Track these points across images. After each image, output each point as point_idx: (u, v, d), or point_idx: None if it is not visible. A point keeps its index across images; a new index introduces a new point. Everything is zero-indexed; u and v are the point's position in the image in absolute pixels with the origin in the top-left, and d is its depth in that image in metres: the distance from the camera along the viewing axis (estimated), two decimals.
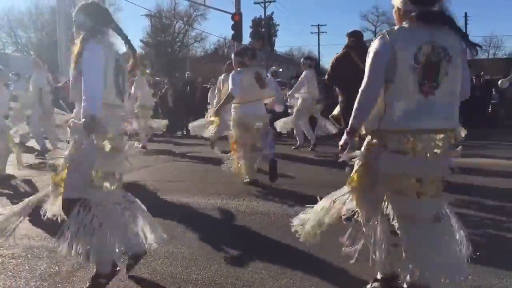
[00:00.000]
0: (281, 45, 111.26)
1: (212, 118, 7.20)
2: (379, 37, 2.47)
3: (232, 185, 6.13)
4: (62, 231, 2.73)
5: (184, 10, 48.44)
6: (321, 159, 8.60)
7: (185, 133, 14.17)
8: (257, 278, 3.18)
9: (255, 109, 6.03)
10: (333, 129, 9.13)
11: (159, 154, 9.38)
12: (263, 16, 45.51)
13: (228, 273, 3.27)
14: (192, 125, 8.48)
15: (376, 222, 2.64)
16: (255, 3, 42.94)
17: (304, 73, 9.37)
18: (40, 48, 40.18)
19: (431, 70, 2.38)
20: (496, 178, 6.43)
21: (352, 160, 2.68)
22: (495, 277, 3.08)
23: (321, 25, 51.08)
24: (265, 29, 46.35)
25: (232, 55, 6.53)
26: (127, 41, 2.98)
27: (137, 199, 3.05)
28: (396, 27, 2.49)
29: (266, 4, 42.78)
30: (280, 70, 14.45)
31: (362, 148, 2.62)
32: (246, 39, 41.14)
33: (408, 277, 2.52)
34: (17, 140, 8.83)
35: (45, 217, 2.96)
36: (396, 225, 2.56)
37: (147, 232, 2.98)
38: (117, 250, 2.88)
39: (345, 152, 2.59)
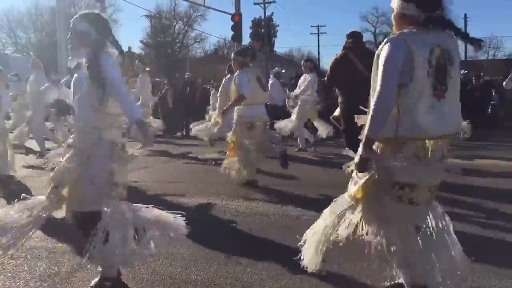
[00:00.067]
0: (280, 46, 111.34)
1: (217, 119, 7.23)
2: (391, 41, 2.36)
3: (232, 185, 6.12)
4: (92, 246, 2.74)
5: (184, 11, 48.57)
6: (320, 160, 8.60)
7: (184, 133, 14.17)
8: (256, 279, 3.18)
9: (260, 111, 6.16)
10: (324, 132, 9.36)
11: (159, 155, 9.37)
12: (262, 17, 45.52)
13: (227, 273, 3.26)
14: (196, 129, 8.46)
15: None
16: (254, 3, 42.98)
17: (309, 77, 9.32)
18: (40, 48, 40.20)
19: (441, 73, 2.38)
20: (496, 178, 6.43)
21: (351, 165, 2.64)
22: (495, 277, 3.08)
23: (321, 26, 51.14)
24: (265, 30, 46.32)
25: (233, 55, 6.51)
26: (122, 54, 3.00)
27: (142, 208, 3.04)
28: (405, 31, 2.39)
29: (266, 4, 42.80)
30: (283, 71, 14.44)
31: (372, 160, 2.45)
32: (246, 40, 41.11)
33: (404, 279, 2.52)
34: (16, 141, 8.86)
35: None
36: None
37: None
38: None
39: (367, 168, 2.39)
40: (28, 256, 3.61)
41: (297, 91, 9.42)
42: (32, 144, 9.27)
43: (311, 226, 2.75)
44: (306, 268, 2.71)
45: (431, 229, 2.47)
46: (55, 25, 19.67)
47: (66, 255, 3.58)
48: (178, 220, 3.03)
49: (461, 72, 15.00)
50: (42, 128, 8.96)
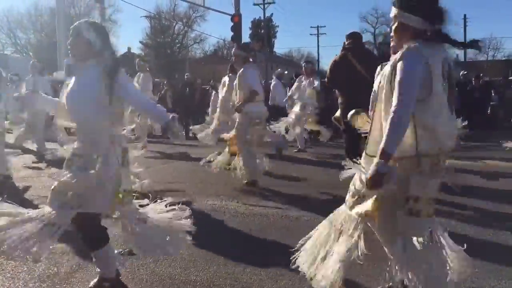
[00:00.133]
0: (280, 47, 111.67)
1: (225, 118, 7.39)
2: (409, 54, 2.29)
3: (231, 186, 6.12)
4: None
5: (183, 12, 48.59)
6: (320, 160, 8.60)
7: (184, 134, 14.16)
8: (255, 279, 3.18)
9: (264, 107, 6.34)
10: (325, 137, 9.59)
11: (158, 155, 9.38)
12: (262, 18, 45.54)
13: (227, 274, 3.26)
14: (200, 136, 8.46)
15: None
16: (254, 4, 43.02)
17: (316, 82, 9.35)
18: (40, 49, 40.25)
19: (451, 86, 2.39)
20: (496, 179, 6.43)
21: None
22: (494, 278, 3.09)
23: (321, 27, 51.18)
24: (264, 31, 46.33)
25: (234, 50, 6.41)
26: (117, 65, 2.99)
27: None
28: (418, 44, 2.33)
29: (266, 5, 42.86)
30: (285, 72, 14.45)
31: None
32: (246, 40, 41.12)
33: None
34: (15, 142, 8.85)
35: None
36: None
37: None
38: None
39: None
40: (27, 256, 3.60)
41: (294, 93, 9.49)
42: (30, 144, 9.26)
43: (310, 236, 2.68)
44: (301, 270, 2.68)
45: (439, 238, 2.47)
46: (54, 25, 19.70)
47: (65, 256, 3.57)
48: (183, 222, 3.05)
49: (461, 73, 15.06)
50: (42, 129, 8.95)
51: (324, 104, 9.92)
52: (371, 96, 2.64)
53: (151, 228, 2.95)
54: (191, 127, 10.21)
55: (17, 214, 2.77)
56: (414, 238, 2.38)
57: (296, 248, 2.68)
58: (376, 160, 2.24)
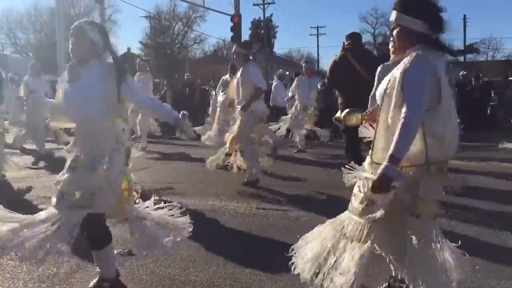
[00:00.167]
0: (280, 47, 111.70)
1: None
2: (419, 60, 2.28)
3: (231, 186, 6.12)
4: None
5: (183, 12, 48.63)
6: (319, 160, 8.60)
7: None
8: (255, 279, 3.18)
9: (264, 105, 6.34)
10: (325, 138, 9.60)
11: (158, 156, 9.38)
12: (262, 18, 45.58)
13: (226, 274, 3.26)
14: (204, 138, 8.46)
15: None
16: (254, 4, 43.02)
17: (320, 84, 9.36)
18: (39, 49, 40.24)
19: (454, 92, 2.39)
20: (495, 179, 6.44)
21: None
22: (494, 278, 3.09)
23: (320, 27, 51.20)
24: (264, 31, 46.40)
25: (236, 48, 6.32)
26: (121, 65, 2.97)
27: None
28: (425, 52, 2.32)
29: (265, 5, 42.85)
30: (287, 73, 14.48)
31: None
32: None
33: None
34: (13, 142, 8.85)
35: None
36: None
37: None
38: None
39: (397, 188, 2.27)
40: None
41: (294, 93, 9.48)
42: (29, 144, 9.25)
43: (309, 237, 2.65)
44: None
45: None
46: (54, 26, 19.69)
47: (65, 256, 3.57)
48: (181, 220, 3.09)
49: (461, 73, 15.06)
50: (42, 130, 8.94)
51: (324, 105, 9.93)
52: (371, 97, 2.64)
53: (150, 226, 2.97)
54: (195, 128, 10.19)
55: (25, 218, 2.78)
56: (422, 240, 2.37)
57: (292, 255, 2.65)
58: (383, 164, 2.22)
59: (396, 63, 2.52)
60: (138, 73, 9.76)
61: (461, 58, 34.21)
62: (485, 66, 38.82)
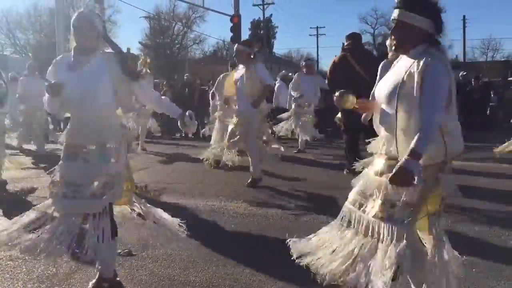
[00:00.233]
0: (280, 47, 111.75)
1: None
2: (437, 60, 2.30)
3: (231, 187, 6.12)
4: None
5: (183, 12, 48.57)
6: (320, 161, 8.60)
7: (183, 135, 14.17)
8: (255, 280, 3.18)
9: (267, 104, 6.41)
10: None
11: (158, 156, 9.38)
12: (262, 18, 45.68)
13: (226, 275, 3.26)
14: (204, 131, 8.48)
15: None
16: (254, 5, 43.14)
17: (322, 83, 9.37)
18: (39, 49, 40.18)
19: None
20: (495, 180, 6.44)
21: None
22: (493, 279, 3.08)
23: (320, 27, 51.25)
24: (264, 31, 46.45)
25: (238, 46, 6.20)
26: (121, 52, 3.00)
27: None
28: (437, 52, 2.35)
29: (265, 6, 42.95)
30: (290, 74, 14.48)
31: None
32: None
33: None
34: (14, 143, 8.85)
35: None
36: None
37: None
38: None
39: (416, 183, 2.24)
40: (26, 257, 3.59)
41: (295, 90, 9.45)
42: (28, 144, 9.25)
43: (323, 237, 2.62)
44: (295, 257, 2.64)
45: None
46: (54, 26, 19.68)
47: (64, 256, 3.57)
48: (175, 221, 3.13)
49: (460, 74, 15.09)
50: (41, 130, 8.95)
51: (324, 105, 9.94)
52: (371, 96, 2.63)
53: (150, 224, 3.00)
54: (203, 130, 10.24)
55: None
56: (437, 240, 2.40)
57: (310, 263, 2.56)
58: (404, 158, 2.22)
59: (398, 60, 2.55)
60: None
61: (461, 59, 34.31)
62: (485, 66, 38.86)
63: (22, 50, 45.99)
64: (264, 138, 6.18)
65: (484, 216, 4.64)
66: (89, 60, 2.84)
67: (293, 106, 9.46)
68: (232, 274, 3.28)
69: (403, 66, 2.42)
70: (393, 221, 2.39)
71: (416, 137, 2.23)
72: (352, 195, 2.59)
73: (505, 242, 3.89)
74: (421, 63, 2.29)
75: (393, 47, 2.54)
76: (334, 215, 2.62)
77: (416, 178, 2.20)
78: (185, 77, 16.10)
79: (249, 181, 6.10)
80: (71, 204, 2.75)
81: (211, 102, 10.45)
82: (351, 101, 2.81)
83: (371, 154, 3.15)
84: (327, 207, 4.81)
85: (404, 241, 2.34)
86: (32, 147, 9.45)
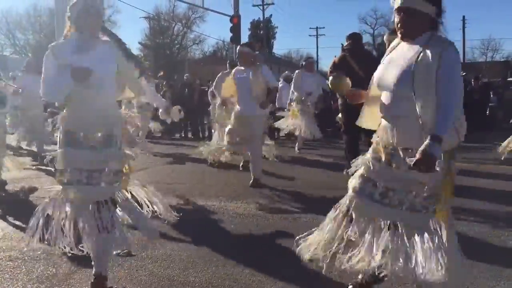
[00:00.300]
0: (279, 48, 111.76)
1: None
2: (455, 50, 2.38)
3: (231, 187, 6.12)
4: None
5: (182, 13, 48.61)
6: (319, 161, 8.60)
7: (183, 135, 14.18)
8: (254, 280, 3.17)
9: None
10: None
11: (157, 156, 9.37)
12: (261, 19, 45.64)
13: (225, 275, 3.26)
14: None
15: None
16: (253, 5, 43.13)
17: (323, 82, 9.36)
18: (39, 50, 40.07)
19: None
20: (495, 180, 6.44)
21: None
22: (493, 279, 3.08)
23: (320, 28, 51.25)
24: (263, 32, 46.44)
25: (244, 48, 6.16)
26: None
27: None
28: (443, 37, 2.42)
29: (265, 6, 42.95)
30: (293, 75, 14.51)
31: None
32: (245, 41, 41.10)
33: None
34: (14, 143, 8.83)
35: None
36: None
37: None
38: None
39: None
40: (26, 258, 3.60)
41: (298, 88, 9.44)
42: (27, 144, 9.24)
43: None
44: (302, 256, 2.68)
45: None
46: (53, 26, 19.66)
47: (64, 256, 3.57)
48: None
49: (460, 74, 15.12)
50: (41, 130, 8.93)
51: (323, 105, 9.93)
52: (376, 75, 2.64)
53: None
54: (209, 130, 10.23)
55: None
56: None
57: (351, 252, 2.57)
58: (426, 141, 2.22)
59: (392, 49, 2.58)
60: None
61: (461, 59, 34.21)
62: (484, 67, 38.86)
63: (21, 50, 45.96)
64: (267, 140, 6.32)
65: (484, 216, 4.64)
66: (94, 46, 2.84)
67: (293, 104, 9.45)
68: (232, 274, 3.27)
69: (408, 54, 2.43)
70: (416, 209, 2.42)
71: (436, 121, 2.25)
72: (356, 183, 2.62)
73: (505, 242, 3.89)
74: (436, 49, 2.32)
75: (400, 36, 2.51)
76: None
77: (437, 163, 2.21)
78: (184, 77, 16.09)
79: (251, 181, 6.10)
80: (88, 190, 2.77)
81: (211, 102, 10.46)
82: (347, 84, 2.83)
83: None
84: (327, 207, 4.78)
85: (432, 229, 2.38)
86: (33, 147, 9.43)
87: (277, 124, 9.38)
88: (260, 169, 6.18)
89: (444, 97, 2.27)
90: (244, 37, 38.44)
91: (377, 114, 2.64)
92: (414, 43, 2.43)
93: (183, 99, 14.05)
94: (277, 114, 9.74)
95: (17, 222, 4.57)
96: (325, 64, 57.33)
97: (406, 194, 2.46)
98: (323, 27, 63.18)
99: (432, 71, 2.31)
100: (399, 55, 2.50)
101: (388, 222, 2.49)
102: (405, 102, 2.43)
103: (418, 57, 2.36)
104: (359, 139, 6.51)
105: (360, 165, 2.69)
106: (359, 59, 6.24)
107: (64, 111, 2.88)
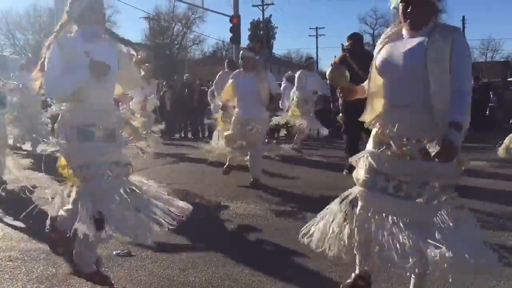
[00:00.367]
0: (279, 48, 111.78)
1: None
2: (462, 34, 2.40)
3: (230, 187, 6.12)
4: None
5: (182, 13, 48.56)
6: (319, 161, 8.60)
7: (183, 135, 14.18)
8: (254, 280, 3.17)
9: None
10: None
11: (157, 156, 9.36)
12: (261, 19, 45.65)
13: (225, 275, 3.26)
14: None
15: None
16: (253, 5, 43.12)
17: (323, 86, 9.38)
18: (38, 50, 39.86)
19: None
20: (495, 180, 6.44)
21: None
22: (493, 279, 3.08)
23: (319, 28, 51.21)
24: (263, 32, 46.44)
25: (247, 53, 6.16)
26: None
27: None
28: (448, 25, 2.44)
29: (265, 6, 42.94)
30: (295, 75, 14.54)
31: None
32: (245, 42, 41.06)
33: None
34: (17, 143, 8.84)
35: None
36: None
37: None
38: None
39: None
40: (26, 258, 3.60)
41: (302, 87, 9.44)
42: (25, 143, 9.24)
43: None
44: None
45: None
46: (53, 26, 19.63)
47: (64, 256, 3.56)
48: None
49: None
50: (38, 129, 8.92)
51: (323, 106, 9.95)
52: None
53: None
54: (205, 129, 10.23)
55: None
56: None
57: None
58: (447, 130, 2.22)
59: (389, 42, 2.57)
60: None
61: None
62: (484, 67, 38.91)
63: (21, 50, 45.96)
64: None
65: (484, 216, 4.64)
66: (99, 42, 2.86)
67: (293, 105, 9.46)
68: (232, 274, 3.27)
69: (415, 39, 2.40)
70: (433, 201, 2.39)
71: (454, 107, 2.25)
72: (365, 176, 2.56)
73: (505, 242, 3.89)
74: (445, 33, 2.33)
75: (409, 27, 2.47)
76: None
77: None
78: (184, 78, 16.10)
79: (251, 181, 6.10)
80: (111, 183, 2.80)
81: (210, 102, 10.46)
82: (346, 77, 2.80)
83: None
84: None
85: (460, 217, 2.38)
86: (30, 147, 9.43)
87: (275, 119, 9.33)
88: (260, 169, 6.19)
89: (461, 82, 2.29)
90: (244, 37, 38.57)
91: (379, 106, 2.61)
92: (421, 34, 2.40)
93: (183, 99, 14.06)
94: (277, 114, 9.73)
95: (17, 222, 4.58)
96: (325, 64, 57.39)
97: (421, 186, 2.39)
98: (323, 27, 63.16)
99: (445, 54, 2.29)
100: (405, 41, 2.46)
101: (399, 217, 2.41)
102: (414, 88, 2.38)
103: (429, 37, 2.35)
104: (360, 139, 6.51)
105: (365, 157, 2.60)
106: (360, 59, 6.23)
107: (68, 105, 2.81)
